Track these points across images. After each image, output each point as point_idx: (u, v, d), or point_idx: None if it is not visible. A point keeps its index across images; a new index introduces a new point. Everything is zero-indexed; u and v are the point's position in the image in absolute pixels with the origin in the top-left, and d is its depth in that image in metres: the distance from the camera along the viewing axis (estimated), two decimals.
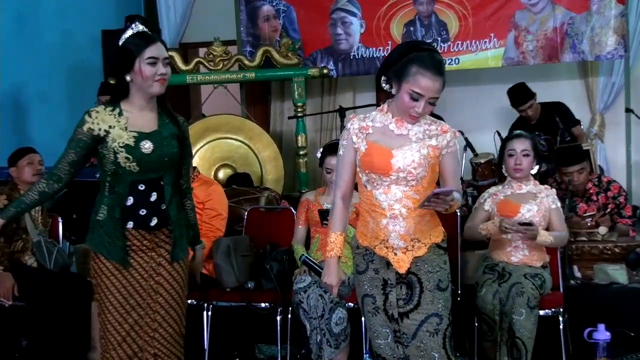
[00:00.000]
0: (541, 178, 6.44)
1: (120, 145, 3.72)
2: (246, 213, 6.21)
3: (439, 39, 8.20)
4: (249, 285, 5.62)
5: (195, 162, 6.88)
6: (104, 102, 7.26)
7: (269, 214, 6.34)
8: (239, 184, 7.27)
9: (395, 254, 3.70)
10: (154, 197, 3.78)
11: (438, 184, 3.76)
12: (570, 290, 5.53)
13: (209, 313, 5.62)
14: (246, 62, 8.06)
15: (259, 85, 9.27)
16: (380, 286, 3.75)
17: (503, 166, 5.32)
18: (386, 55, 8.06)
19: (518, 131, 5.57)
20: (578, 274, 5.75)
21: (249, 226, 6.15)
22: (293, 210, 5.97)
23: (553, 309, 5.21)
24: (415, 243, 3.69)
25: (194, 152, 7.12)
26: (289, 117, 8.33)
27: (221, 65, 8.02)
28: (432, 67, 3.51)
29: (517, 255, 5.20)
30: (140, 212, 3.76)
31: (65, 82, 8.11)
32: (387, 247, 3.70)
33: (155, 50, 3.75)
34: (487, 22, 8.14)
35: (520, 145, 5.22)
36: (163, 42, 3.83)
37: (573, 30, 7.92)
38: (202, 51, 8.96)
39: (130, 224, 3.77)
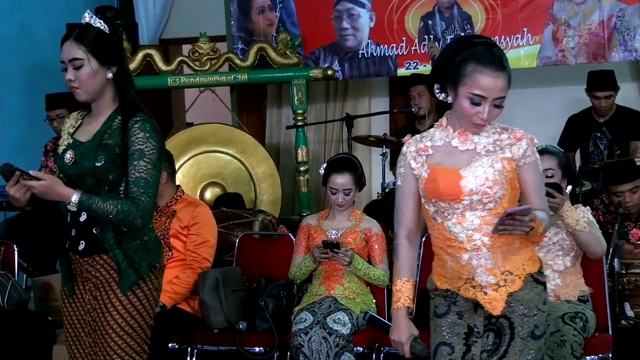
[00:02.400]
0: (584, 199, 6.39)
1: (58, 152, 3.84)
2: (237, 240, 6.22)
3: (462, 34, 8.19)
4: (241, 326, 5.59)
5: (177, 179, 6.85)
6: (54, 117, 7.32)
7: (264, 241, 6.34)
8: (229, 206, 7.25)
9: (486, 293, 3.60)
10: (83, 217, 3.76)
11: (520, 203, 3.67)
12: (621, 332, 5.47)
13: (194, 359, 5.60)
14: (237, 61, 8.06)
15: (253, 88, 9.28)
16: (463, 334, 3.66)
17: None
18: (402, 53, 8.21)
19: (542, 146, 5.50)
20: (631, 313, 5.69)
21: (241, 256, 6.15)
22: (292, 237, 5.97)
23: (600, 355, 5.15)
24: (507, 276, 3.60)
25: (176, 167, 7.08)
26: (288, 127, 8.33)
27: (208, 65, 8.02)
28: (491, 62, 3.46)
29: (547, 285, 5.12)
30: (72, 233, 3.80)
31: (23, 85, 8.09)
32: (473, 287, 3.62)
33: (63, 52, 3.75)
34: (519, 15, 8.14)
35: (543, 164, 5.16)
36: (83, 35, 3.73)
37: (623, 24, 7.90)
38: (186, 49, 8.98)
39: (67, 244, 3.82)
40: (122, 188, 3.75)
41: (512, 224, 3.40)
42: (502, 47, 7.80)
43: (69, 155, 3.76)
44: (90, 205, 3.61)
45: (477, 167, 3.53)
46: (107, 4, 8.91)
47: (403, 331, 3.66)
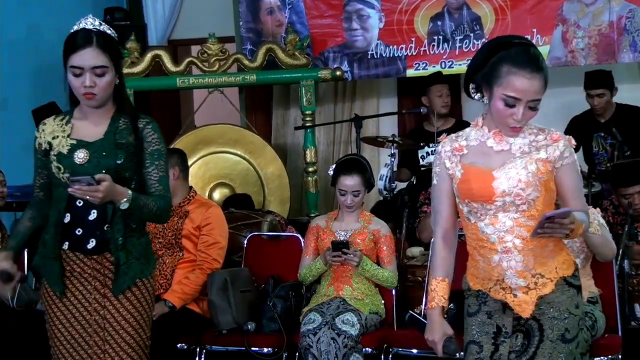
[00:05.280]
0: (594, 200, 6.38)
1: (54, 153, 3.79)
2: (246, 241, 6.23)
3: (472, 35, 8.18)
4: (249, 327, 5.60)
5: None
6: None
7: (273, 242, 6.34)
8: (238, 207, 7.25)
9: (515, 296, 3.59)
10: (93, 215, 3.76)
11: (557, 205, 3.64)
12: (630, 333, 5.49)
13: (202, 359, 5.61)
14: (246, 62, 8.06)
15: (261, 89, 9.25)
16: (492, 334, 3.65)
17: None
18: (411, 54, 8.21)
19: None
20: None
21: (249, 256, 6.16)
22: (300, 238, 5.99)
23: (610, 356, 5.18)
24: (538, 279, 3.57)
25: None
26: (296, 128, 8.31)
27: (217, 66, 8.02)
28: (527, 63, 3.42)
29: None
30: (77, 232, 3.78)
31: (30, 86, 8.09)
32: (503, 289, 3.60)
33: (78, 58, 3.73)
34: (528, 16, 8.11)
35: None
36: (106, 43, 3.75)
37: (633, 25, 7.88)
38: (194, 49, 8.96)
39: (66, 245, 3.80)
40: (133, 185, 3.76)
41: (552, 227, 3.35)
42: None
43: (82, 155, 3.74)
44: (140, 202, 3.70)
45: (511, 168, 3.51)
46: (116, 5, 8.91)
47: (437, 330, 3.64)
